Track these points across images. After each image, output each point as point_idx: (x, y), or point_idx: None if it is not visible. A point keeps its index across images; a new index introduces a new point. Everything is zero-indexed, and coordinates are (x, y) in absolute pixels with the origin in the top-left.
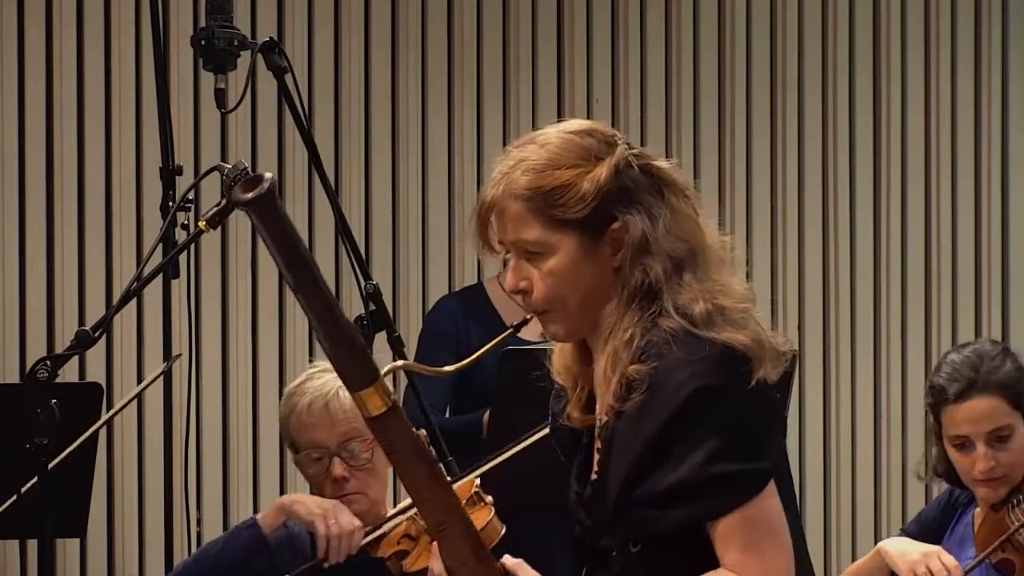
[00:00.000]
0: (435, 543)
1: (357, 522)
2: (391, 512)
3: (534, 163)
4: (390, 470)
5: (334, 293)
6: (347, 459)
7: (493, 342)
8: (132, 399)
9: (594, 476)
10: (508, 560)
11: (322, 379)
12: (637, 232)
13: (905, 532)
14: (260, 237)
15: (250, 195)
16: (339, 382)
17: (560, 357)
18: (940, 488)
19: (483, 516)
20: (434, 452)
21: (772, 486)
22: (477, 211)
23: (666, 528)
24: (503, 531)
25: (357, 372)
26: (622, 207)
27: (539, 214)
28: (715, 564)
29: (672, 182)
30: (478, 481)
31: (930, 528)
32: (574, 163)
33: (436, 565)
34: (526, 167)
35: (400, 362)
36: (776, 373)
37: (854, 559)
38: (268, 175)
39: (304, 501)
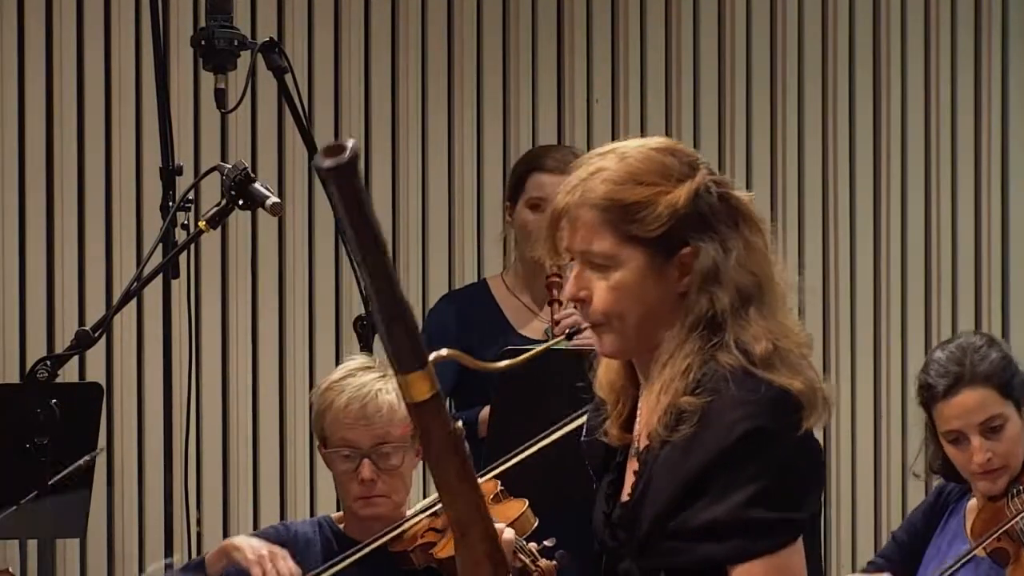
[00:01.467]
0: None
1: (295, 569)
2: (411, 512)
3: (614, 174)
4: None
5: (334, 293)
6: (377, 461)
7: (544, 346)
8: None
9: (626, 498)
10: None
11: (362, 379)
12: (708, 260)
13: (894, 539)
14: (332, 205)
15: (330, 162)
16: (379, 384)
17: (606, 371)
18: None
19: (516, 508)
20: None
21: (800, 543)
22: (549, 215)
23: (690, 563)
24: (536, 523)
25: (409, 354)
26: (695, 233)
27: (612, 227)
28: None
29: (748, 214)
30: (499, 482)
31: (917, 534)
32: (654, 181)
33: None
34: (605, 177)
35: (446, 351)
36: (822, 422)
37: (854, 558)
38: (351, 141)
39: (243, 548)
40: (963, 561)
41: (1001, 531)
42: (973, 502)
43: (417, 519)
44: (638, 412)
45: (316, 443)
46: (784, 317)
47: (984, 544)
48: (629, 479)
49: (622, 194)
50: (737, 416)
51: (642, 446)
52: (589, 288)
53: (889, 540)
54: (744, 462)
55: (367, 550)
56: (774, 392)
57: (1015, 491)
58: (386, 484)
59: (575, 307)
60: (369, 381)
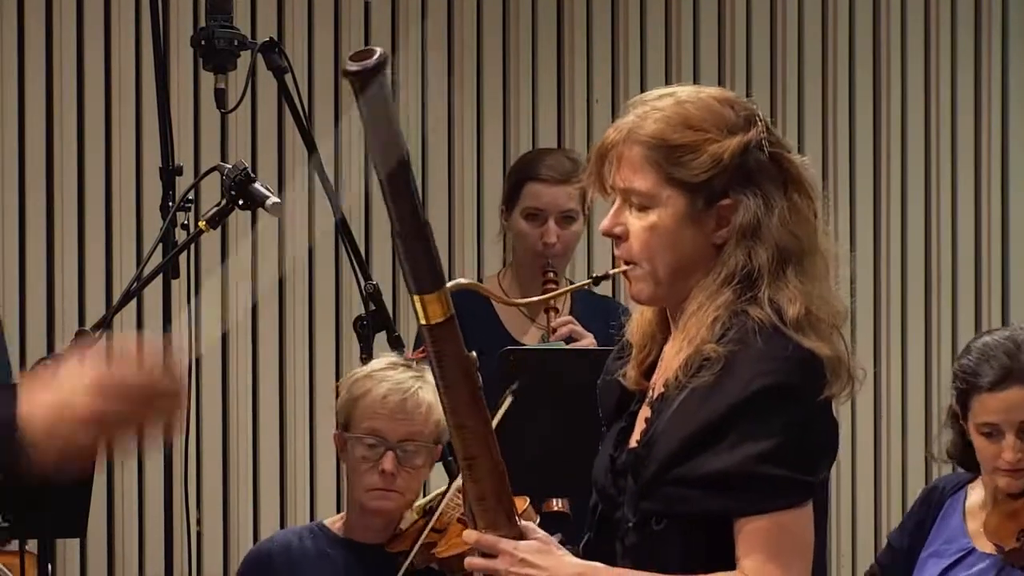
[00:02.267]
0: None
1: None
2: (410, 510)
3: (667, 115)
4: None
5: (334, 293)
6: (400, 457)
7: (570, 287)
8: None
9: (634, 444)
10: (520, 521)
11: (403, 374)
12: (749, 214)
13: (891, 545)
14: (359, 112)
15: (356, 66)
16: (418, 382)
17: (641, 316)
18: (939, 471)
19: (518, 505)
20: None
21: (811, 507)
22: (597, 147)
23: (697, 512)
24: (537, 520)
25: (427, 274)
26: (738, 186)
27: (656, 166)
28: (729, 564)
29: (799, 177)
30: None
31: (912, 537)
32: (706, 128)
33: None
34: (658, 117)
35: (464, 280)
36: (845, 395)
37: (854, 557)
38: (380, 49)
39: None
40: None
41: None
42: (974, 500)
43: (417, 519)
44: (660, 361)
45: (318, 436)
46: (823, 286)
47: (997, 539)
48: (640, 426)
49: (672, 134)
50: (760, 369)
51: (657, 394)
52: (626, 225)
53: (886, 546)
54: (761, 416)
55: (406, 564)
56: (801, 353)
57: None
58: (404, 481)
59: (614, 244)
60: (408, 378)
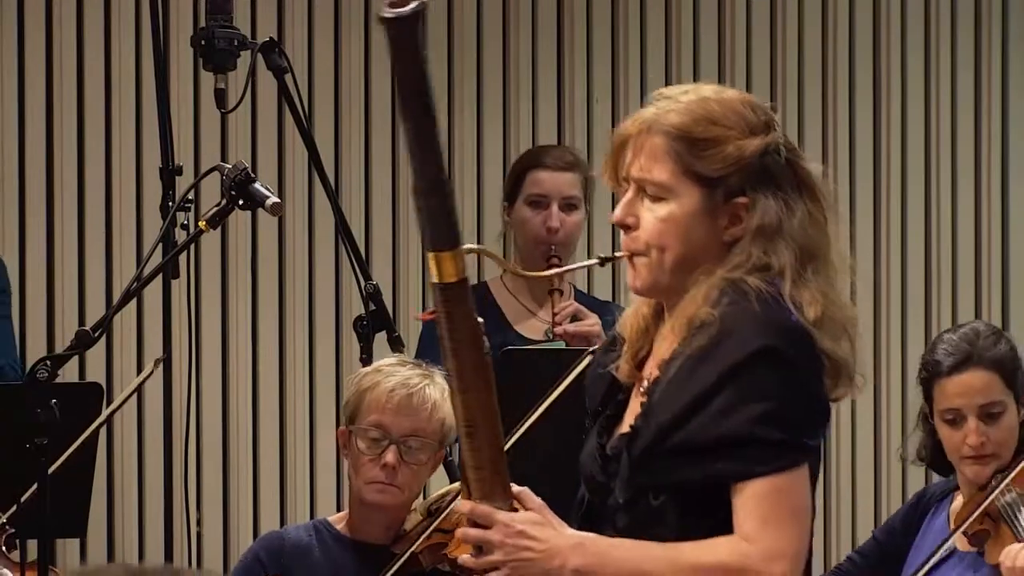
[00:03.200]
0: None
1: None
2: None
3: (691, 108)
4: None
5: (334, 293)
6: (403, 452)
7: (573, 266)
8: (126, 399)
9: (626, 429)
10: (514, 487)
11: (411, 371)
12: (770, 214)
13: (874, 539)
14: (390, 59)
15: (390, 12)
16: (425, 380)
17: (635, 310)
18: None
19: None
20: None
21: (807, 470)
22: (616, 137)
23: (693, 478)
24: None
25: (444, 232)
26: (756, 186)
27: (676, 157)
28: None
29: (813, 186)
30: None
31: (895, 535)
32: (729, 124)
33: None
34: (682, 109)
35: (480, 246)
36: (840, 392)
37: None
38: None
39: None
40: (943, 549)
41: (982, 512)
42: (957, 503)
43: (421, 520)
44: (652, 352)
45: (318, 436)
46: (837, 290)
47: (965, 528)
48: (632, 412)
49: (695, 127)
50: (754, 331)
51: (651, 379)
52: (638, 215)
53: (869, 539)
54: (756, 379)
55: (403, 559)
56: (797, 323)
57: (998, 476)
58: (405, 477)
59: (623, 234)
60: (416, 375)
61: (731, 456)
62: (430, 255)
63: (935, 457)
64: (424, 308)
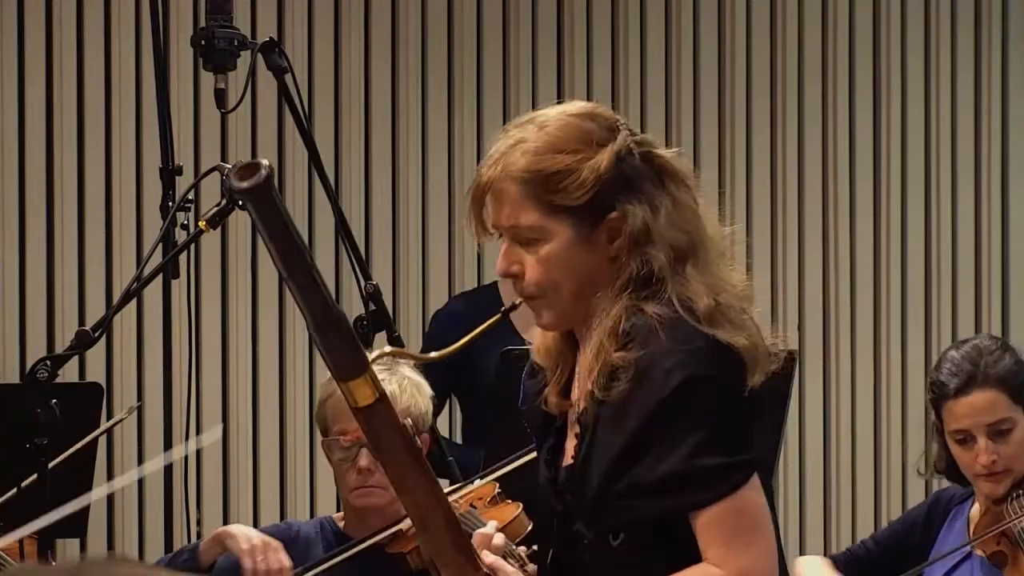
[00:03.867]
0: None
1: (287, 562)
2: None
3: (533, 145)
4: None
5: (334, 293)
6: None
7: (481, 327)
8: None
9: (570, 461)
10: (487, 557)
11: None
12: (637, 222)
13: (892, 528)
14: (255, 224)
15: (245, 183)
16: (383, 375)
17: (543, 339)
18: (941, 484)
19: (509, 512)
20: (439, 447)
21: (756, 480)
22: (472, 190)
23: (649, 517)
24: (531, 526)
25: (347, 361)
26: (621, 196)
27: (536, 199)
28: (696, 559)
29: (673, 171)
30: (497, 485)
31: (914, 529)
32: (574, 148)
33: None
34: (524, 149)
35: (388, 348)
36: (763, 372)
37: None
38: (265, 162)
39: (238, 536)
40: (954, 554)
41: (999, 531)
42: (975, 508)
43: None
44: (575, 377)
45: (318, 436)
46: (722, 271)
47: (981, 544)
48: (571, 442)
49: (543, 164)
50: (671, 365)
51: (580, 408)
52: (520, 262)
53: (886, 528)
54: (684, 412)
55: (362, 546)
56: (708, 340)
57: (1016, 494)
58: (383, 475)
59: (512, 284)
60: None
61: (681, 491)
62: (341, 385)
63: (951, 469)
64: (424, 308)
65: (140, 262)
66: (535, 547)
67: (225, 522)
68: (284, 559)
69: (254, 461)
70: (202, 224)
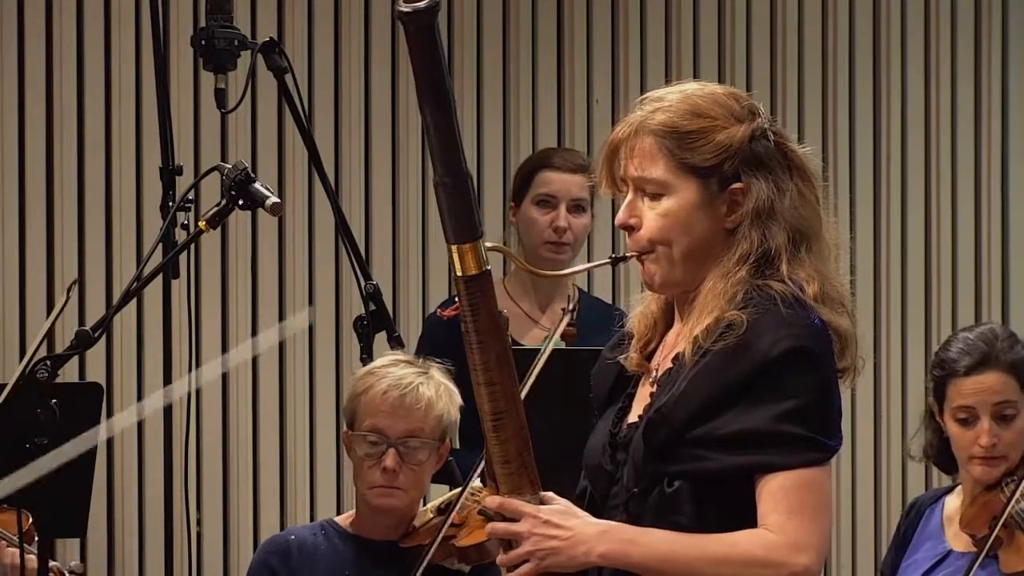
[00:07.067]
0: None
1: None
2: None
3: (675, 106)
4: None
5: (334, 293)
6: (403, 454)
7: (591, 264)
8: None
9: (635, 419)
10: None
11: (405, 370)
12: (762, 197)
13: (889, 557)
14: (409, 55)
15: (408, 7)
16: (420, 378)
17: (645, 307)
18: (940, 478)
19: None
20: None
21: (831, 468)
22: (606, 145)
23: (720, 470)
24: None
25: (464, 225)
26: (749, 170)
27: (668, 153)
28: (740, 525)
29: (803, 166)
30: None
31: (899, 552)
32: (714, 115)
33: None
34: (665, 107)
35: (497, 244)
36: (847, 363)
37: (854, 556)
38: None
39: None
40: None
41: (991, 516)
42: (951, 506)
43: (431, 517)
44: (661, 348)
45: (318, 436)
46: (831, 267)
47: (967, 531)
48: (641, 402)
49: (681, 122)
50: (784, 333)
51: (663, 371)
52: (639, 216)
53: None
54: (784, 378)
55: (429, 554)
56: (821, 323)
57: (1007, 481)
58: (407, 478)
59: (628, 236)
60: (410, 374)
61: (758, 450)
62: (452, 248)
63: (941, 455)
64: (424, 308)
65: (140, 262)
66: None
67: (225, 522)
68: None
69: (254, 461)
70: (202, 224)
